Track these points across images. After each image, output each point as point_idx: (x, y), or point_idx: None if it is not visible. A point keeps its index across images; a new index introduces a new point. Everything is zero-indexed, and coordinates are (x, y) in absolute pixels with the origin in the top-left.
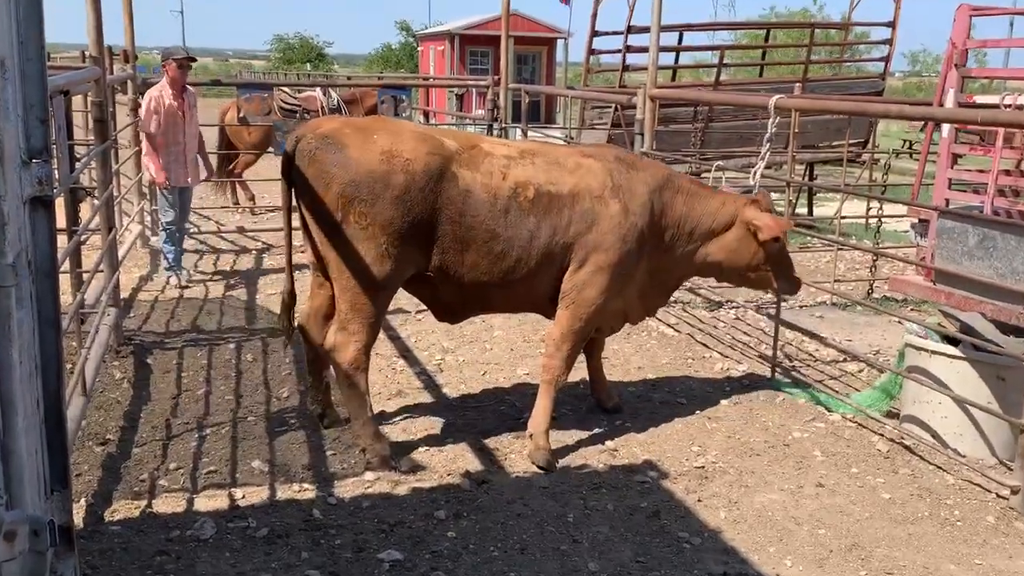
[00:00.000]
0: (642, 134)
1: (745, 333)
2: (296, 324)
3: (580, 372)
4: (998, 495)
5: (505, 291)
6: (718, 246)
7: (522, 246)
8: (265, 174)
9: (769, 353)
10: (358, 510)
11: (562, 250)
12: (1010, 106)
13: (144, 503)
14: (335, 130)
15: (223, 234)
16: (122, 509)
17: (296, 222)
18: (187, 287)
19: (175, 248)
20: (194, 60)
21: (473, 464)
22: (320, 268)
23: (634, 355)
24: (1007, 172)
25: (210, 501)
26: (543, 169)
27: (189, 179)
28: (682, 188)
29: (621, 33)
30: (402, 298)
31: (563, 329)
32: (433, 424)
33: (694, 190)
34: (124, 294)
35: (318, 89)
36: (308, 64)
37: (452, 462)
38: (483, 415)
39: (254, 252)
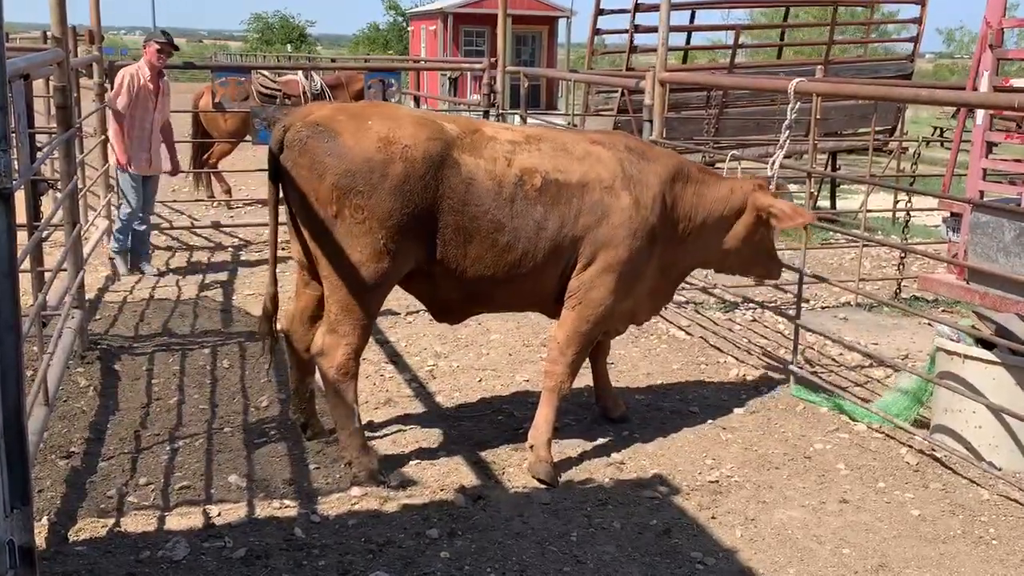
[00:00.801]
0: (651, 121)
1: (762, 336)
2: (279, 327)
3: (584, 379)
4: None
5: (509, 287)
6: (729, 235)
7: (528, 238)
8: (242, 165)
9: (788, 358)
10: (344, 529)
11: (570, 244)
12: None
13: (112, 521)
14: (327, 117)
15: (197, 229)
16: (88, 528)
17: (282, 216)
18: (147, 278)
19: (124, 238)
20: (176, 48)
21: (468, 479)
22: (307, 266)
23: (642, 360)
24: None
25: (183, 519)
26: (549, 156)
27: (151, 167)
28: (692, 177)
29: (628, 12)
30: (391, 299)
31: (568, 332)
32: (425, 435)
33: (703, 178)
34: (89, 295)
35: (300, 73)
36: (289, 46)
37: (445, 476)
38: (479, 425)
39: (230, 249)
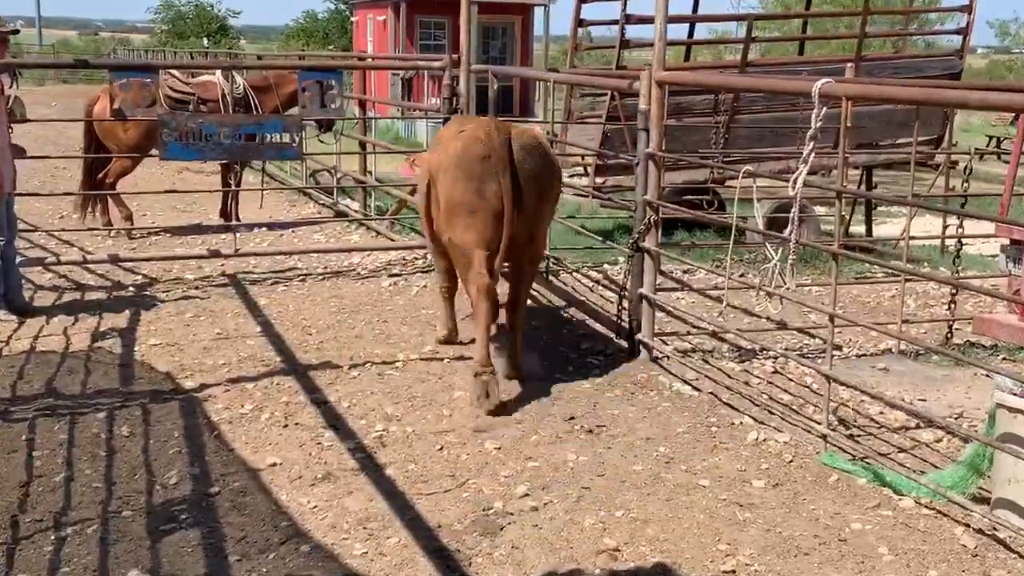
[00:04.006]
0: (647, 130)
1: (786, 391)
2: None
3: (580, 436)
4: None
5: None
6: None
7: None
8: (146, 185)
9: (819, 418)
10: None
11: None
12: None
13: None
14: (532, 127)
15: (90, 265)
16: None
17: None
18: (27, 325)
19: None
20: (16, 31)
21: (426, 571)
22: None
23: (640, 422)
24: None
25: None
26: None
27: (15, 181)
28: None
29: None
30: (331, 349)
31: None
32: (372, 516)
33: None
34: None
35: (218, 73)
36: (205, 39)
37: (398, 569)
38: (439, 505)
39: (131, 288)
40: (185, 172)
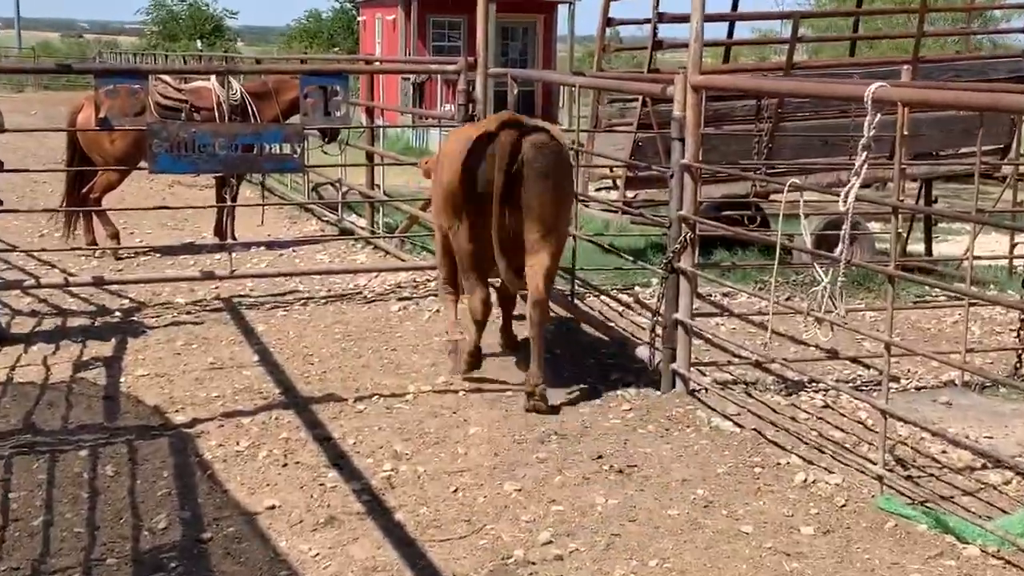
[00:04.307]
0: (682, 139)
1: (838, 428)
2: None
3: (609, 487)
4: None
5: None
6: None
7: None
8: (134, 200)
9: (874, 458)
10: None
11: None
12: None
13: None
14: (550, 132)
15: (72, 288)
16: None
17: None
18: (3, 354)
19: None
20: None
21: None
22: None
23: (676, 461)
24: None
25: None
26: None
27: None
28: None
29: None
30: (335, 380)
31: None
32: (380, 565)
33: None
34: None
35: (213, 78)
36: (199, 41)
37: None
38: (453, 553)
39: (118, 314)
40: (176, 186)
